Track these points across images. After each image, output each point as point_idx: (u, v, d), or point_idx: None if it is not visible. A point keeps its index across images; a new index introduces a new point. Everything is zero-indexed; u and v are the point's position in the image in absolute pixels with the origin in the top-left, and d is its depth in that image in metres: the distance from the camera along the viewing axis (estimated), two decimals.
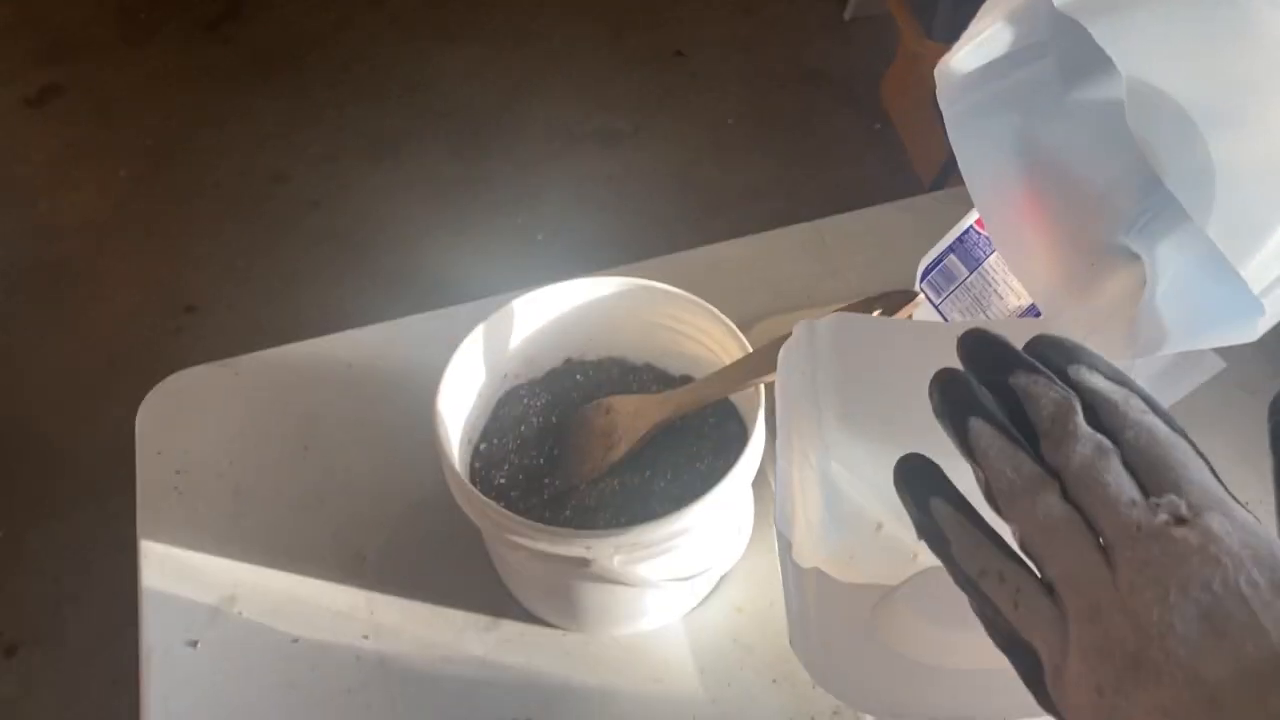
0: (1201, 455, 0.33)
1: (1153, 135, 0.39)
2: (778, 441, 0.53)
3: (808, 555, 0.49)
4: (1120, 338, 0.48)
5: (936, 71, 0.50)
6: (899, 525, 0.54)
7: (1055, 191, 0.50)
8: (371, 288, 1.79)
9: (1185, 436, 0.33)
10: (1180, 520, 0.30)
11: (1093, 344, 0.50)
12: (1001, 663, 0.48)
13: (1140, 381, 0.52)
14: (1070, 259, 0.50)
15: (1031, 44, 0.48)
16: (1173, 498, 0.31)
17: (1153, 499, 0.31)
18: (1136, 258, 0.48)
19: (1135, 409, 0.33)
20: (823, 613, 0.51)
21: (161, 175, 1.99)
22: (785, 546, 0.49)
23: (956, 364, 0.55)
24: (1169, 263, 0.46)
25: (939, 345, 0.57)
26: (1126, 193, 0.48)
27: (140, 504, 0.72)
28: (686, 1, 2.26)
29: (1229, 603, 0.28)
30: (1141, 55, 0.39)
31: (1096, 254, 0.49)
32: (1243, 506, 0.32)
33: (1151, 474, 0.32)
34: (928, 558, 0.53)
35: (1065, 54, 0.48)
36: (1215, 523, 0.30)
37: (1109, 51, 0.39)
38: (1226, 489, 0.32)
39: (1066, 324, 0.50)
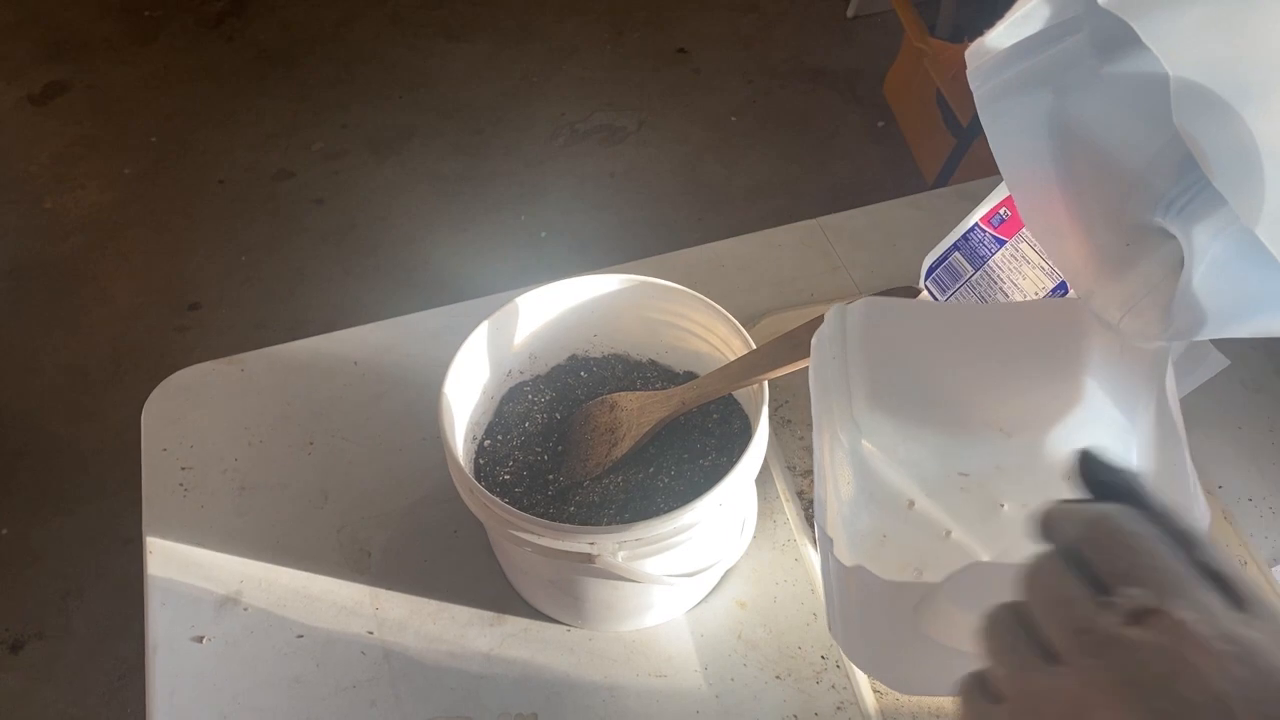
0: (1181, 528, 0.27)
1: (1200, 132, 0.38)
2: (814, 430, 0.53)
3: (846, 549, 0.49)
4: (1155, 320, 0.47)
5: (968, 52, 0.49)
6: (930, 503, 0.54)
7: (1089, 170, 0.49)
8: (375, 285, 1.79)
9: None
10: (1140, 615, 0.24)
11: (1126, 326, 0.49)
12: None
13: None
14: (1104, 239, 0.49)
15: (1064, 19, 0.47)
16: (1131, 590, 0.25)
17: (1107, 597, 0.26)
18: (1173, 237, 0.48)
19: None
20: (867, 608, 0.51)
21: (165, 173, 2.00)
22: (827, 543, 0.49)
23: (985, 338, 0.55)
24: (1208, 246, 0.45)
25: (967, 326, 0.56)
26: (1163, 172, 0.47)
27: (145, 500, 0.72)
28: None
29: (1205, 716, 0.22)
30: (1189, 52, 0.38)
31: (1132, 234, 0.48)
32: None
33: (1106, 561, 0.26)
34: (961, 535, 0.53)
35: (1098, 28, 0.47)
36: (1185, 613, 0.24)
37: (1156, 51, 0.38)
38: (1215, 564, 0.26)
39: (1100, 305, 0.50)
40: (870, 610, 0.51)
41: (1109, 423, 0.52)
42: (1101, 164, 0.48)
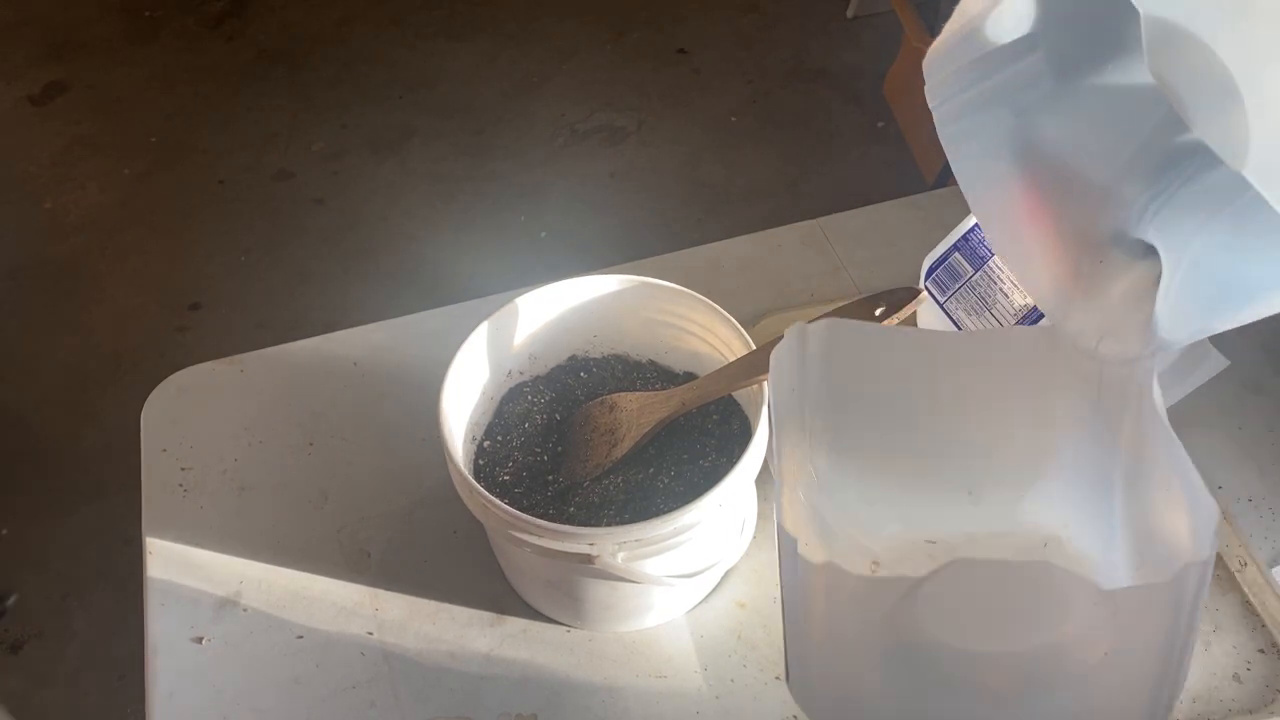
0: None
1: (1176, 79, 0.37)
2: (772, 449, 0.51)
3: (816, 546, 0.47)
4: (1135, 339, 0.46)
5: (925, 63, 0.48)
6: (895, 563, 0.52)
7: (1056, 188, 0.48)
8: (375, 285, 1.79)
9: None
10: None
11: (1105, 349, 0.48)
12: (1025, 657, 0.45)
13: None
14: (1076, 258, 0.48)
15: (1019, 38, 0.46)
16: None
17: None
18: (1147, 253, 0.46)
19: None
20: (832, 621, 0.48)
21: (165, 173, 2.00)
22: (790, 545, 0.47)
23: (951, 376, 0.53)
24: (1187, 245, 0.44)
25: (934, 357, 0.54)
26: (1133, 181, 0.46)
27: (145, 501, 0.72)
28: None
29: None
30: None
31: (1104, 251, 0.47)
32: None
33: None
34: None
35: (1055, 46, 0.46)
36: None
37: None
38: None
39: (1076, 330, 0.48)
40: (837, 630, 0.48)
41: (1085, 465, 0.50)
42: (1068, 181, 0.47)
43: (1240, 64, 0.36)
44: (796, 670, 0.53)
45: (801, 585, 0.48)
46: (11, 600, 1.32)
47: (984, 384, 0.52)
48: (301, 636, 0.65)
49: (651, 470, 0.64)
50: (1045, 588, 0.46)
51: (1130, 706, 0.50)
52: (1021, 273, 0.52)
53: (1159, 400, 0.48)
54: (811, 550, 0.46)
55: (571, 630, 0.65)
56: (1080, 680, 0.48)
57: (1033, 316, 0.65)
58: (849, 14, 2.22)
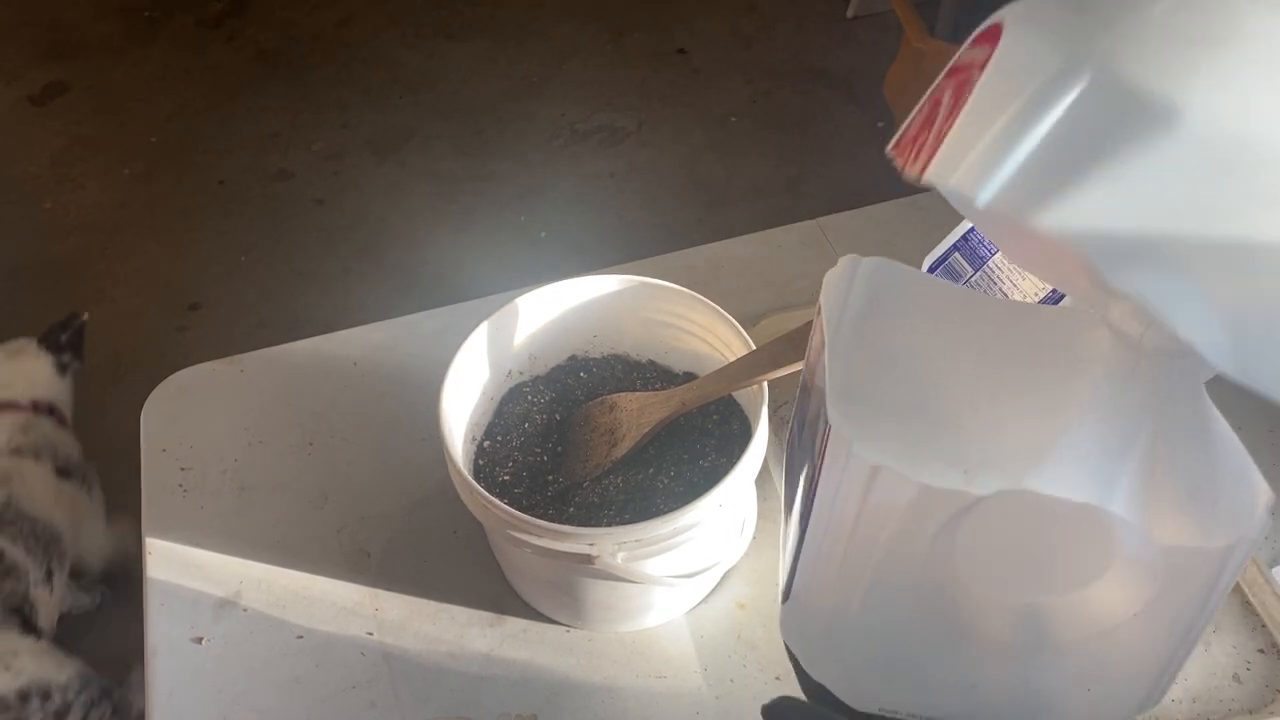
0: None
1: (1146, 290, 0.35)
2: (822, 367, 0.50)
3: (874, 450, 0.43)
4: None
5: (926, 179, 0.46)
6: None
7: None
8: (375, 285, 1.79)
9: None
10: None
11: (1149, 341, 0.46)
12: (1051, 609, 0.43)
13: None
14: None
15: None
16: None
17: None
18: None
19: None
20: (861, 537, 0.45)
21: (165, 173, 2.00)
22: (843, 444, 0.43)
23: (975, 346, 0.52)
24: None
25: (964, 320, 0.53)
26: None
27: (145, 501, 0.72)
28: None
29: None
30: (1100, 234, 0.36)
31: None
32: None
33: None
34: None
35: None
36: None
37: (1063, 242, 0.36)
38: None
39: (1120, 318, 0.47)
40: (864, 551, 0.45)
41: (1089, 458, 0.48)
42: None
43: (1205, 267, 0.35)
44: (798, 600, 0.51)
45: (842, 496, 0.45)
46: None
47: (1003, 358, 0.51)
48: (301, 636, 0.65)
49: (651, 470, 0.64)
50: (1095, 533, 0.44)
51: (1138, 675, 0.49)
52: (1051, 279, 0.50)
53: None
54: (869, 451, 0.43)
55: (571, 630, 0.65)
56: (1098, 640, 0.47)
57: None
58: (849, 14, 2.22)
